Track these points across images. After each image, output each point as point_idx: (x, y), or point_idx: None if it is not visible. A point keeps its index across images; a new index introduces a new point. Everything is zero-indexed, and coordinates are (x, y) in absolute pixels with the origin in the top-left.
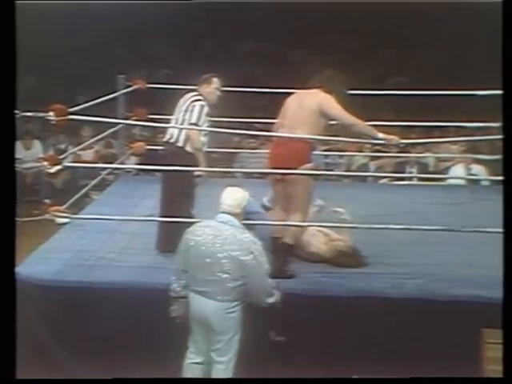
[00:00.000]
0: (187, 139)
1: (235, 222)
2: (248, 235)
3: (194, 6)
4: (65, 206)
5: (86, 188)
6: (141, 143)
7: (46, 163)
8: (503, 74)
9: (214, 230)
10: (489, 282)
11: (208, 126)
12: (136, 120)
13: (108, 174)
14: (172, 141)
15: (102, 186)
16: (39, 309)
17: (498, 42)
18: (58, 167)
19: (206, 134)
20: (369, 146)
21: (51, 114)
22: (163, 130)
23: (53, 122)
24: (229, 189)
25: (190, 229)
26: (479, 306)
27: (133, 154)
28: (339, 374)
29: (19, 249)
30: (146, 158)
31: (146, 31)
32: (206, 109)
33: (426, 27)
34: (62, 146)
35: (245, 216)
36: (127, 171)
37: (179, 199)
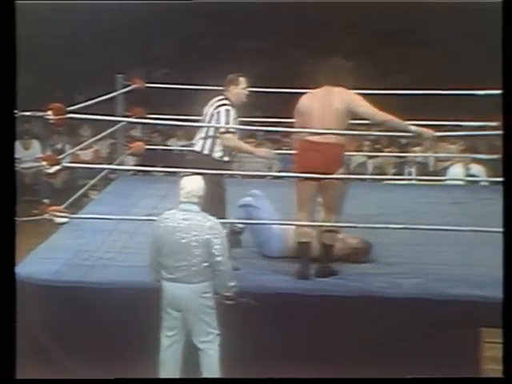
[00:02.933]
0: (217, 146)
1: (196, 208)
2: (211, 219)
3: (192, 5)
4: (63, 206)
5: (85, 188)
6: (140, 143)
7: (44, 163)
8: (503, 73)
9: (179, 218)
10: (487, 281)
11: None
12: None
13: (108, 173)
14: (198, 149)
15: (100, 186)
16: (38, 309)
17: (497, 41)
18: (57, 167)
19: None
20: (367, 144)
21: (50, 113)
22: (160, 131)
23: (51, 122)
24: (187, 178)
25: (158, 220)
26: (478, 306)
27: (131, 154)
28: (338, 373)
29: (18, 248)
30: (145, 158)
31: (144, 30)
32: (232, 112)
33: (426, 26)
34: (61, 146)
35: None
36: (126, 171)
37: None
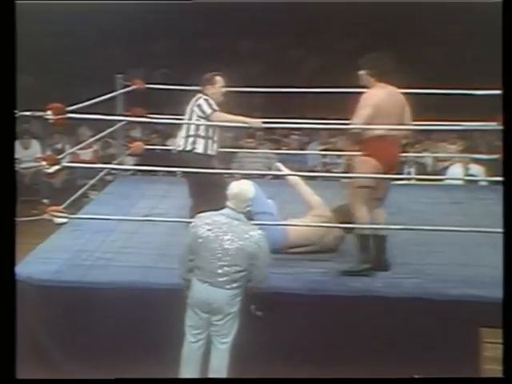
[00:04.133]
0: (197, 141)
1: (241, 216)
2: (254, 228)
3: (191, 5)
4: (63, 206)
5: (84, 188)
6: (139, 143)
7: (44, 163)
8: (503, 73)
9: (223, 224)
10: (486, 281)
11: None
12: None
13: (106, 174)
14: (181, 148)
15: (100, 186)
16: (37, 309)
17: (494, 40)
18: (57, 167)
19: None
20: None
21: (49, 113)
22: (160, 131)
23: (51, 121)
24: (239, 186)
25: (199, 222)
26: (477, 306)
27: (131, 154)
28: (338, 373)
29: (17, 249)
30: (145, 158)
31: (144, 30)
32: (211, 101)
33: (422, 27)
34: (60, 146)
35: (254, 216)
36: (124, 171)
37: (205, 200)
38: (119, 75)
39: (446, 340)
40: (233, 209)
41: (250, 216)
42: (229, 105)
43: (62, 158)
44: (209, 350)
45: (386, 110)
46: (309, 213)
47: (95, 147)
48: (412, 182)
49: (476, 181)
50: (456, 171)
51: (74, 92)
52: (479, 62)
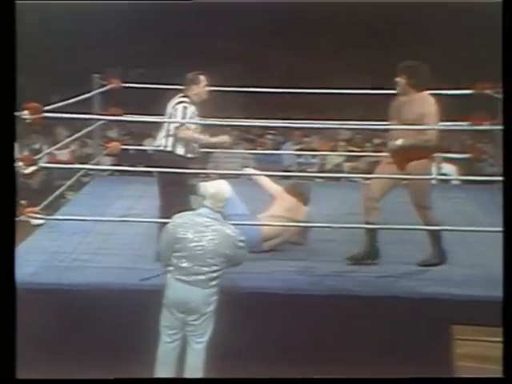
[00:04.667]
0: (178, 142)
1: (217, 215)
2: (231, 227)
3: (169, 5)
4: (40, 207)
5: (61, 189)
6: (116, 143)
7: (21, 164)
8: (503, 73)
9: (200, 223)
10: (457, 279)
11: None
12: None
13: (83, 174)
14: (161, 148)
15: (77, 187)
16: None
17: (472, 41)
18: (34, 168)
19: (200, 132)
20: (342, 145)
21: (26, 112)
22: (136, 131)
23: (28, 121)
24: (215, 185)
25: (178, 221)
26: (448, 303)
27: (108, 155)
28: (314, 372)
29: None
30: (121, 158)
31: (121, 30)
32: (190, 110)
33: (399, 27)
34: (37, 146)
35: (229, 218)
36: (101, 171)
37: (178, 201)
38: (96, 75)
39: (418, 337)
40: (210, 208)
41: (224, 216)
42: (212, 105)
43: (39, 159)
44: (184, 349)
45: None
46: (273, 202)
47: (72, 147)
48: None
49: (448, 180)
50: None
51: (51, 91)
52: (454, 62)
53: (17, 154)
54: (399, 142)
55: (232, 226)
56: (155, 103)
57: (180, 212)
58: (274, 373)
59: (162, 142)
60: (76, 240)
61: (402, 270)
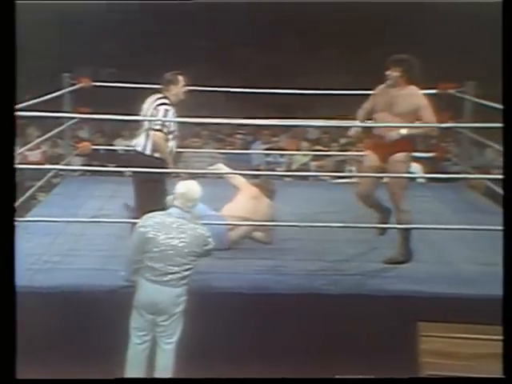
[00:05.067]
0: (155, 147)
1: (187, 215)
2: (200, 226)
3: (140, 5)
4: None
5: (32, 190)
6: (87, 143)
7: None
8: (503, 73)
9: (171, 223)
10: (423, 277)
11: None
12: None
13: (54, 175)
14: (140, 149)
15: (48, 187)
16: None
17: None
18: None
19: (173, 138)
20: (307, 145)
21: None
22: (105, 131)
23: None
24: (186, 185)
25: (146, 222)
26: (414, 301)
27: (79, 155)
28: (279, 371)
29: None
30: (92, 158)
31: (92, 29)
32: (171, 112)
33: (369, 27)
34: None
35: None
36: (72, 172)
37: (153, 201)
38: (66, 74)
39: (385, 334)
40: (180, 208)
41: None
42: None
43: None
44: (154, 350)
45: None
46: (237, 193)
47: (43, 148)
48: (354, 180)
49: (413, 178)
50: None
51: (20, 90)
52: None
53: None
54: (403, 131)
55: (201, 226)
56: (125, 103)
57: (153, 211)
58: (241, 373)
59: (140, 142)
60: (47, 241)
61: (370, 268)
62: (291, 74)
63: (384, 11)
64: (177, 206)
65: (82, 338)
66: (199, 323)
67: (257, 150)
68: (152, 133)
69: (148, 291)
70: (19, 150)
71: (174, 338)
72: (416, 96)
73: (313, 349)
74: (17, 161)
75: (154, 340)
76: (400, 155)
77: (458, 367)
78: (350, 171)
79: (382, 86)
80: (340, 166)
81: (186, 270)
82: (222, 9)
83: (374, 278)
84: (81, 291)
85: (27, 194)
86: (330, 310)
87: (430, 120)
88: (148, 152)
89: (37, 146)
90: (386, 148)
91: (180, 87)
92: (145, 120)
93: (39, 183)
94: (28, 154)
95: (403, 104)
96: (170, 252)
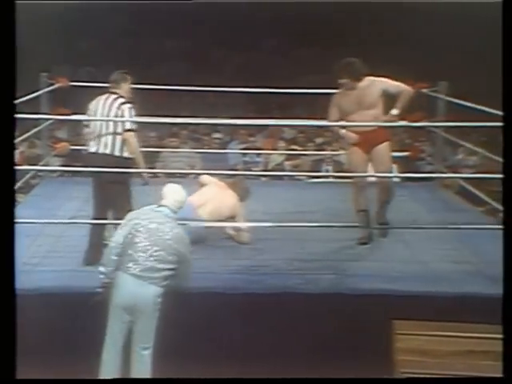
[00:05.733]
0: (124, 146)
1: (174, 216)
2: (181, 229)
3: (119, 4)
4: None
5: None
6: (65, 143)
7: None
8: (503, 73)
9: (160, 220)
10: (396, 276)
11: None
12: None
13: (32, 176)
14: (108, 152)
15: (27, 188)
16: None
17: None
18: None
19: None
20: (283, 145)
21: None
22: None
23: None
24: (174, 186)
25: (136, 215)
26: (389, 299)
27: (57, 155)
28: (257, 371)
29: None
30: (70, 158)
31: (69, 28)
32: (133, 110)
33: (346, 27)
34: None
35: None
36: (51, 173)
37: (120, 203)
38: (43, 73)
39: (361, 333)
40: (169, 207)
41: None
42: (158, 105)
43: None
44: (129, 358)
45: None
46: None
47: (21, 148)
48: (330, 179)
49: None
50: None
51: None
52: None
53: None
54: (395, 111)
55: (180, 226)
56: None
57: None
58: (220, 374)
59: (107, 143)
60: (26, 243)
61: (344, 266)
62: (268, 73)
63: (363, 10)
64: (166, 205)
65: (60, 340)
66: (176, 323)
67: (234, 150)
68: (125, 133)
69: (129, 287)
70: None
71: (151, 343)
72: (374, 83)
73: (289, 348)
74: None
75: (128, 347)
76: (383, 145)
77: (433, 365)
78: (327, 171)
79: (339, 92)
80: (316, 165)
81: (169, 269)
82: (197, 8)
83: (348, 276)
84: (60, 293)
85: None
86: (305, 309)
87: (398, 85)
88: (117, 153)
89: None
90: (369, 141)
91: (129, 85)
92: (110, 120)
93: (17, 184)
94: None
95: (369, 95)
96: (156, 249)
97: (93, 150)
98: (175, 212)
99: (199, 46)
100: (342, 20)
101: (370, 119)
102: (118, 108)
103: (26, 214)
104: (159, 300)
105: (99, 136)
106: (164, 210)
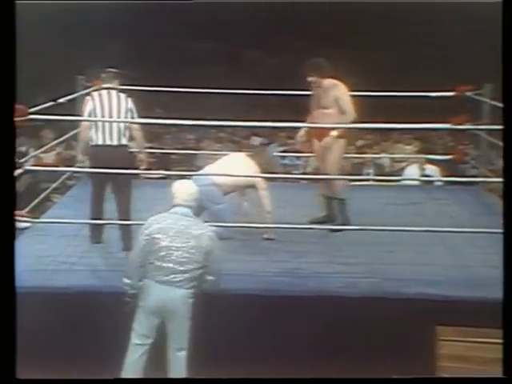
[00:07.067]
0: (132, 138)
1: (190, 212)
2: (206, 225)
3: (148, 5)
4: (26, 210)
5: (47, 191)
6: None
7: None
8: (503, 73)
9: (177, 222)
10: (439, 280)
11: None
12: None
13: (69, 177)
14: (115, 143)
15: (63, 189)
16: None
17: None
18: (20, 171)
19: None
20: None
21: None
22: None
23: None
24: (182, 182)
25: (153, 224)
26: (432, 304)
27: None
28: (294, 373)
29: None
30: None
31: (103, 32)
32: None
33: (377, 28)
34: (23, 149)
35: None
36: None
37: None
38: (80, 76)
39: (401, 338)
40: (182, 205)
41: (198, 212)
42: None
43: (25, 162)
44: (165, 359)
45: None
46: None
47: (58, 150)
48: (370, 182)
49: (431, 181)
50: (412, 172)
51: (35, 94)
52: (430, 63)
53: None
54: (334, 133)
55: (205, 223)
56: (140, 104)
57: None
58: (251, 374)
59: (113, 136)
60: (63, 243)
61: (384, 270)
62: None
63: (393, 11)
64: (179, 204)
65: (98, 339)
66: (217, 326)
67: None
68: (133, 125)
69: (157, 293)
70: (34, 152)
71: (185, 345)
72: (334, 87)
73: (329, 351)
74: (31, 163)
75: (162, 347)
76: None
77: (475, 372)
78: (368, 174)
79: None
80: (357, 168)
81: (196, 269)
82: (228, 10)
83: (388, 280)
84: (97, 292)
85: (42, 196)
86: (344, 312)
87: (346, 108)
88: (124, 142)
89: (51, 148)
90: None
91: (119, 82)
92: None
93: (54, 185)
94: (43, 156)
95: (325, 97)
96: (178, 252)
97: (99, 142)
98: (191, 207)
99: (232, 48)
100: (375, 20)
101: (325, 118)
102: (126, 101)
103: (62, 214)
104: (190, 301)
105: (106, 128)
106: (178, 209)
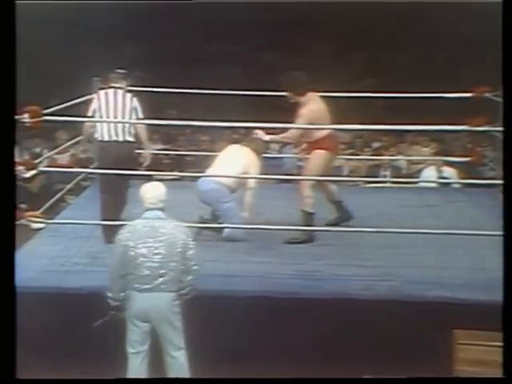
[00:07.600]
0: (138, 135)
1: (163, 214)
2: (181, 225)
3: (163, 6)
4: (40, 211)
5: (61, 193)
6: None
7: (21, 168)
8: (503, 73)
9: (150, 227)
10: (458, 283)
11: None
12: None
13: (83, 178)
14: (120, 139)
15: (77, 190)
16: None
17: (470, 43)
18: (34, 172)
19: None
20: (342, 148)
21: (25, 116)
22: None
23: (27, 125)
24: (148, 185)
25: (124, 232)
26: (450, 307)
27: None
28: (307, 375)
29: None
30: None
31: (119, 33)
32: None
33: (397, 30)
34: (38, 150)
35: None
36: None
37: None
38: (96, 78)
39: (419, 341)
40: (152, 209)
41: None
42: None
43: (40, 163)
44: (162, 361)
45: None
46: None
47: (72, 151)
48: (387, 184)
49: (449, 183)
50: (429, 174)
51: (50, 95)
52: (450, 65)
53: (17, 158)
54: (267, 137)
55: (174, 220)
56: (155, 106)
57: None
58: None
59: (118, 132)
60: (77, 244)
61: (403, 272)
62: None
63: (411, 12)
64: (148, 208)
65: (113, 339)
66: (233, 327)
67: (289, 154)
68: (140, 128)
69: (139, 302)
70: (48, 154)
71: (182, 345)
72: (304, 105)
73: (346, 353)
74: (46, 164)
75: (159, 351)
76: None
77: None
78: (385, 176)
79: None
80: (373, 170)
81: (174, 269)
82: (246, 10)
83: (408, 283)
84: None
85: (56, 197)
86: (361, 315)
87: (299, 120)
88: (130, 139)
89: (66, 150)
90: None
91: (127, 83)
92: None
93: (68, 186)
94: (57, 158)
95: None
96: (154, 256)
97: (106, 138)
98: (161, 209)
99: (248, 49)
100: (396, 20)
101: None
102: (131, 100)
103: (76, 215)
104: (175, 303)
105: (111, 125)
106: (149, 213)
